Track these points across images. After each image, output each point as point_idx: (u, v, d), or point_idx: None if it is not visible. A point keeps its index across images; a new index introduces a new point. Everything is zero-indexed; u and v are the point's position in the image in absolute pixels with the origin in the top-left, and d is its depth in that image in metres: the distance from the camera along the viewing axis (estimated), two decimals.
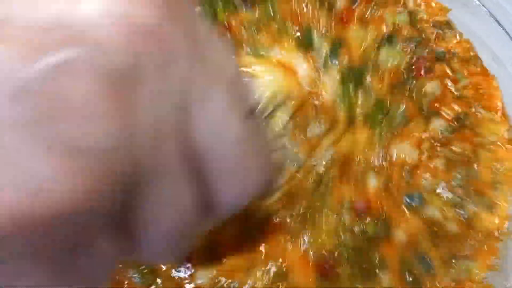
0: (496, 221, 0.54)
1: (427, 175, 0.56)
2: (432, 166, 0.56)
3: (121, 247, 0.22)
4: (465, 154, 0.57)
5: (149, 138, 0.19)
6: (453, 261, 0.53)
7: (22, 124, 0.16)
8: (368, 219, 0.52)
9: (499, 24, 0.58)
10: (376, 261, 0.51)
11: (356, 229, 0.51)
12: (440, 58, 0.60)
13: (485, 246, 0.53)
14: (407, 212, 0.53)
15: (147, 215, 0.21)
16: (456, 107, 0.58)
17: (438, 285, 0.51)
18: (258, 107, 0.27)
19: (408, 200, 0.54)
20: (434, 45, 0.60)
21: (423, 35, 0.61)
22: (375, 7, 0.61)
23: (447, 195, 0.55)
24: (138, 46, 0.18)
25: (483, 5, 0.58)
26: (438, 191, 0.55)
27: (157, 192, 0.21)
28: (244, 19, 0.60)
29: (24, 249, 0.17)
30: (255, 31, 0.59)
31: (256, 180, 0.27)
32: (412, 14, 0.61)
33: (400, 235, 0.53)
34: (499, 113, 0.59)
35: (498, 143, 0.58)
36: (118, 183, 0.18)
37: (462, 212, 0.54)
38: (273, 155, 0.29)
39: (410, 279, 0.51)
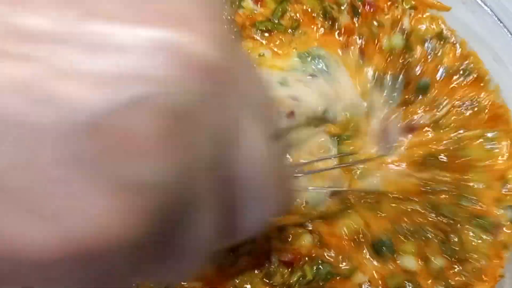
0: None
1: None
2: None
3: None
4: None
5: (193, 170, 0.19)
6: None
7: (87, 158, 0.16)
8: None
9: (501, 22, 0.56)
10: None
11: None
12: None
13: None
14: None
15: (179, 241, 0.21)
16: None
17: None
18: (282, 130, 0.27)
19: None
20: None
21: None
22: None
23: None
24: (203, 84, 0.18)
25: (484, 4, 0.56)
26: None
27: (191, 221, 0.21)
28: None
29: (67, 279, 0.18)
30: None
31: (277, 204, 0.26)
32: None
33: None
34: None
35: None
36: (163, 215, 0.19)
37: None
38: (292, 180, 0.28)
39: None
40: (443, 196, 0.54)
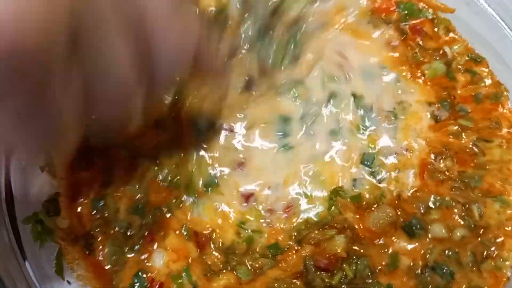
0: None
1: None
2: None
3: (74, 102, 0.25)
4: None
5: None
6: None
7: None
8: None
9: (505, 24, 0.56)
10: None
11: None
12: None
13: None
14: None
15: (91, 70, 0.24)
16: None
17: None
18: None
19: None
20: None
21: None
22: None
23: None
24: None
25: (488, 5, 0.56)
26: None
27: (98, 46, 0.23)
28: None
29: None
30: None
31: (188, 38, 0.29)
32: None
33: None
34: None
35: None
36: (65, 24, 0.21)
37: None
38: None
39: None
40: None
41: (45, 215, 0.53)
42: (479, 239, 0.55)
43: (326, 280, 0.51)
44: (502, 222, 0.56)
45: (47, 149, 0.29)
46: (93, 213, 0.54)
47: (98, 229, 0.53)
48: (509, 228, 0.56)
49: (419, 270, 0.53)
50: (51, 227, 0.53)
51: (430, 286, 0.52)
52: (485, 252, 0.54)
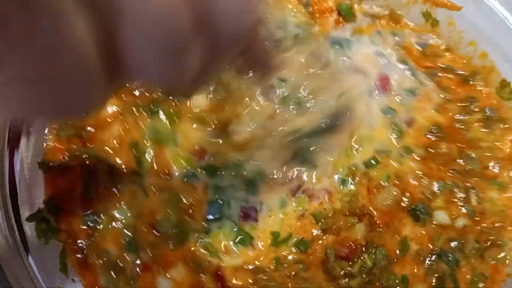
0: None
1: None
2: None
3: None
4: None
5: None
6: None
7: None
8: None
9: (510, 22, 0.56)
10: None
11: None
12: None
13: None
14: None
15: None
16: None
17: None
18: None
19: None
20: None
21: None
22: None
23: None
24: None
25: (492, 4, 0.56)
26: None
27: None
28: None
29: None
30: None
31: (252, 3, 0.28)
32: None
33: None
34: None
35: None
36: None
37: None
38: None
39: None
40: None
41: (48, 213, 0.54)
42: (479, 227, 0.57)
43: (347, 268, 0.52)
44: (499, 208, 0.58)
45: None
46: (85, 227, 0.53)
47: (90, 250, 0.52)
48: (507, 214, 0.58)
49: (427, 258, 0.55)
50: (55, 226, 0.52)
51: (436, 274, 0.54)
52: (486, 240, 0.56)
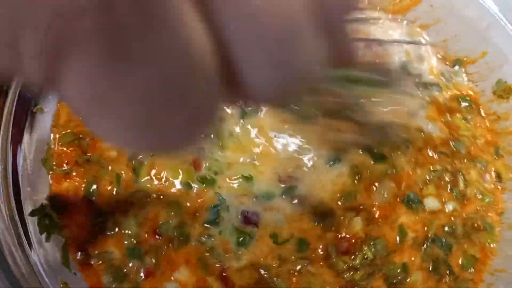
0: None
1: None
2: None
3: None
4: None
5: None
6: None
7: None
8: None
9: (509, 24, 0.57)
10: None
11: None
12: None
13: None
14: None
15: None
16: None
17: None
18: None
19: None
20: None
21: None
22: None
23: None
24: None
25: (489, 5, 0.57)
26: None
27: None
28: None
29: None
30: None
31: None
32: None
33: None
34: None
35: None
36: None
37: None
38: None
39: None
40: None
41: (51, 210, 0.54)
42: (466, 210, 0.60)
43: (349, 262, 0.54)
44: (481, 190, 0.62)
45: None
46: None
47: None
48: (488, 200, 0.62)
49: (423, 244, 0.57)
50: (58, 222, 0.53)
51: (431, 259, 0.57)
52: (473, 223, 0.60)
